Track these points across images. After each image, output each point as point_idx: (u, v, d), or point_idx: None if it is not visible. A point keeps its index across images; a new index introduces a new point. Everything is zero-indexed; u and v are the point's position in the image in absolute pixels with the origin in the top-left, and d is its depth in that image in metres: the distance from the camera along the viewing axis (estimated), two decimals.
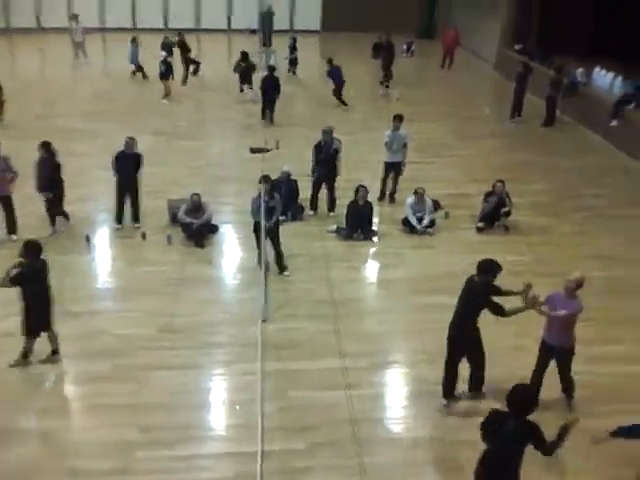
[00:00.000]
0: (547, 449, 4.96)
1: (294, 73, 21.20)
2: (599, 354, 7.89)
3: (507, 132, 16.70)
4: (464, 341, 6.95)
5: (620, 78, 16.59)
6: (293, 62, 21.47)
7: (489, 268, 6.77)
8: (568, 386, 7.02)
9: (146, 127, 15.41)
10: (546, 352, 6.93)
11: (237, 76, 18.60)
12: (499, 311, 6.73)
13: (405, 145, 11.71)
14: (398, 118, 11.76)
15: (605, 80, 17.36)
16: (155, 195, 11.43)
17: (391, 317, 8.66)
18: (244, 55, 18.31)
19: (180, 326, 8.25)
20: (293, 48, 21.66)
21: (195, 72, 20.82)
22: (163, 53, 18.78)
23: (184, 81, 19.85)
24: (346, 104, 18.05)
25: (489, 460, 5.08)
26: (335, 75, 17.97)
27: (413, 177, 12.31)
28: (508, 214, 10.97)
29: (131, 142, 10.38)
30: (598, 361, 7.77)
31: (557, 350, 6.83)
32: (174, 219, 10.60)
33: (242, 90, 18.60)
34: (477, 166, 14.03)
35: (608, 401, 7.12)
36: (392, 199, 12.06)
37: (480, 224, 11.01)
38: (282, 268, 9.53)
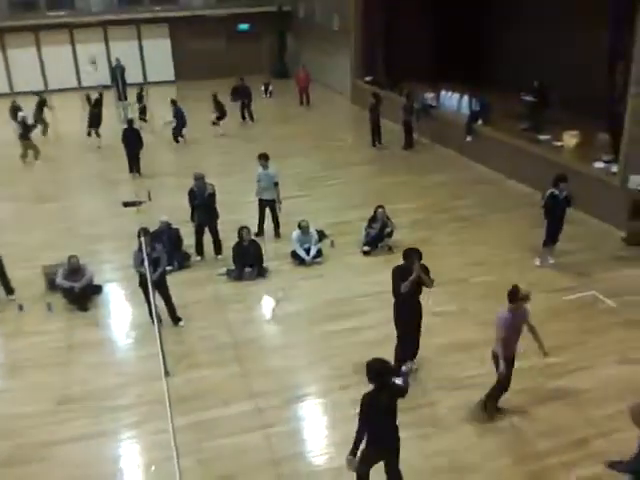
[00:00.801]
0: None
1: (145, 121, 21.03)
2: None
3: (372, 158, 17.45)
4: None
5: (466, 98, 17.94)
6: (142, 111, 21.50)
7: (407, 254, 7.69)
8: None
9: (5, 193, 14.45)
10: None
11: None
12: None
13: (276, 183, 11.84)
14: (263, 157, 11.90)
15: (452, 101, 18.73)
16: (26, 263, 10.71)
17: (294, 351, 8.63)
18: (96, 101, 19.32)
19: (78, 395, 7.73)
20: (140, 97, 22.04)
21: (43, 133, 20.24)
22: (21, 114, 17.92)
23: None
24: (177, 142, 19.00)
25: (374, 434, 5.65)
26: (179, 114, 18.84)
27: (294, 211, 12.49)
28: (390, 235, 11.39)
29: None
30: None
31: None
32: (52, 285, 9.96)
33: (89, 134, 18.94)
34: (352, 193, 14.49)
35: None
36: (277, 234, 12.11)
37: (365, 248, 11.33)
38: (176, 319, 9.24)
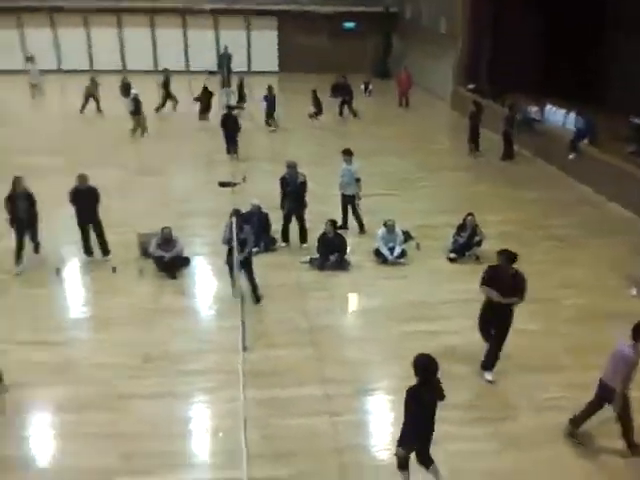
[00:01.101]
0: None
1: (242, 108, 21.66)
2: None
3: (468, 165, 17.16)
4: None
5: (573, 114, 17.29)
6: (240, 99, 22.44)
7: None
8: None
9: (112, 163, 15.34)
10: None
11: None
12: None
13: (358, 179, 11.85)
14: (347, 152, 11.95)
15: (557, 117, 18.08)
16: (123, 228, 11.28)
17: (370, 345, 8.62)
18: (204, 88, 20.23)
19: (158, 355, 8.08)
20: (240, 87, 22.94)
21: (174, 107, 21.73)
22: (134, 91, 18.91)
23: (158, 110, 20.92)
24: (268, 125, 19.98)
25: (417, 424, 5.85)
26: (267, 101, 19.86)
27: (381, 209, 12.48)
28: (479, 244, 11.15)
29: (82, 178, 10.28)
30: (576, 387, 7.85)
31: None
32: (145, 253, 10.44)
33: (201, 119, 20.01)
34: (442, 198, 14.31)
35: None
36: (361, 230, 12.13)
37: (452, 255, 11.15)
38: (257, 298, 9.45)
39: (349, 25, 30.79)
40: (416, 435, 5.94)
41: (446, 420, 7.02)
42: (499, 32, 21.14)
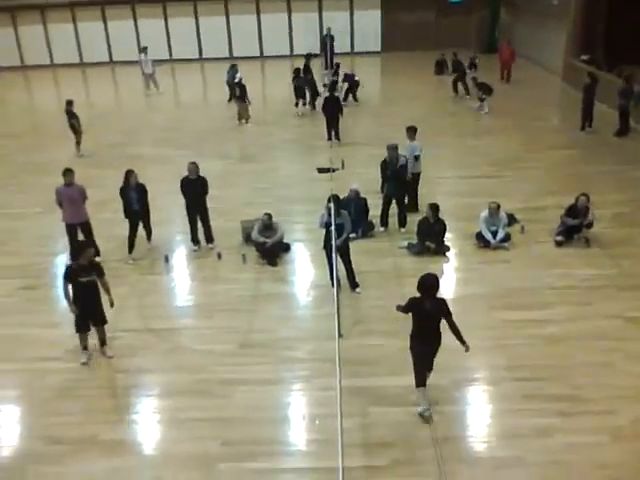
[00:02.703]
0: (452, 320, 6.74)
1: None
2: None
3: (579, 143, 16.22)
4: None
5: None
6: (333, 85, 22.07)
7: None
8: None
9: (215, 151, 15.88)
10: None
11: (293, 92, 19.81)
12: None
13: (417, 157, 11.58)
14: (411, 129, 11.66)
15: None
16: (227, 216, 11.70)
17: (469, 333, 8.27)
18: (296, 71, 19.83)
19: (258, 342, 8.35)
20: (336, 71, 22.44)
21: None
22: (239, 75, 19.39)
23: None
24: (356, 101, 20.80)
25: (418, 328, 6.86)
26: (349, 79, 21.00)
27: (487, 191, 12.16)
28: (590, 226, 10.56)
29: (193, 167, 10.52)
30: None
31: None
32: (248, 239, 10.78)
33: (297, 105, 19.71)
34: (551, 178, 13.65)
35: None
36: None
37: (558, 238, 10.64)
38: (354, 285, 9.48)
39: None
40: (421, 340, 6.83)
41: (550, 412, 6.87)
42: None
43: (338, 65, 22.30)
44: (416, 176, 11.84)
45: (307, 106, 19.94)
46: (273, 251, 10.37)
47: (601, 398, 7.05)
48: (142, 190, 10.45)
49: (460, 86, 21.44)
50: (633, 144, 15.82)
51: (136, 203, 10.35)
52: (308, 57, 21.76)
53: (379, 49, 30.25)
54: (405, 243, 10.75)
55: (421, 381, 6.93)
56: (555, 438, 6.55)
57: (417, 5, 29.01)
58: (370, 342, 8.26)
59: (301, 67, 20.37)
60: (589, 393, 7.13)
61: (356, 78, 21.35)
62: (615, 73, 18.81)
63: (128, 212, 10.43)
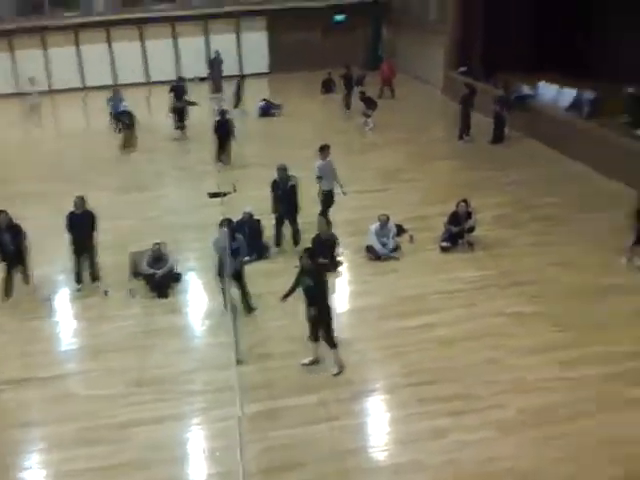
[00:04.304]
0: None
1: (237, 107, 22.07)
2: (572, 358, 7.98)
3: (458, 152, 17.07)
4: None
5: (566, 90, 17.12)
6: (239, 100, 22.48)
7: None
8: None
9: (101, 183, 15.31)
10: None
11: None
12: None
13: (334, 172, 11.72)
14: (325, 148, 11.78)
15: (550, 93, 17.86)
16: (115, 250, 11.29)
17: (365, 345, 8.63)
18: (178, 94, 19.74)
19: (152, 379, 8.10)
20: (239, 89, 22.70)
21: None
22: (125, 103, 18.89)
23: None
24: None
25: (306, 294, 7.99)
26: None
27: (375, 204, 12.48)
28: (472, 230, 11.11)
29: (79, 201, 10.13)
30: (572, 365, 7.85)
31: None
32: (136, 272, 10.48)
33: (178, 128, 19.47)
34: (435, 187, 14.25)
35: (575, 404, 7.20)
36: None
37: (444, 244, 11.12)
38: (250, 308, 9.47)
39: (339, 17, 30.56)
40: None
41: (443, 412, 7.12)
42: (489, 14, 20.87)
43: (239, 83, 22.57)
44: (328, 193, 11.87)
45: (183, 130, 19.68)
46: (163, 282, 10.14)
47: (489, 394, 7.41)
48: (16, 231, 9.86)
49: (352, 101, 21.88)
50: (508, 149, 16.81)
51: (10, 244, 9.79)
52: (181, 80, 21.69)
53: (267, 70, 30.54)
54: None
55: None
56: (449, 438, 6.82)
57: (302, 26, 29.53)
58: (269, 365, 8.27)
59: (182, 88, 20.39)
60: (478, 390, 7.48)
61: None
62: (491, 83, 19.94)
63: (3, 255, 9.88)
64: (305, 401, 7.55)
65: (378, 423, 7.35)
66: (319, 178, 11.70)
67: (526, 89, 18.12)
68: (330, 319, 8.01)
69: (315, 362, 8.18)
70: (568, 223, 11.94)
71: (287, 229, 11.52)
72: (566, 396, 7.28)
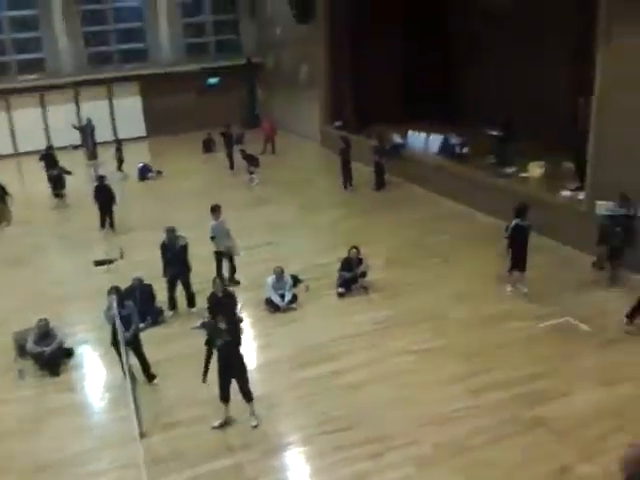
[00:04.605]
0: None
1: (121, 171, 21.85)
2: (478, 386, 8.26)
3: (344, 201, 17.58)
4: None
5: (434, 136, 18.24)
6: (120, 164, 22.28)
7: None
8: None
9: None
10: None
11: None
12: None
13: (228, 232, 11.79)
14: (217, 208, 11.84)
15: (419, 141, 18.96)
16: None
17: (276, 398, 8.45)
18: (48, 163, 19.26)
19: (50, 463, 7.45)
20: (118, 149, 22.56)
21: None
22: None
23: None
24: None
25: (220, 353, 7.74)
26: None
27: (269, 257, 12.49)
28: (364, 275, 11.37)
29: None
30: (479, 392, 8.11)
31: None
32: (22, 351, 9.72)
33: (56, 196, 18.99)
34: (325, 236, 14.54)
35: (488, 429, 7.39)
36: (235, 281, 12.00)
37: (340, 290, 11.28)
38: (150, 377, 9.04)
39: (213, 81, 31.00)
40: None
41: (362, 456, 7.06)
42: (358, 71, 21.98)
43: (119, 145, 22.39)
44: (222, 253, 11.82)
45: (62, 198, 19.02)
46: (53, 359, 9.45)
47: (404, 432, 7.46)
48: None
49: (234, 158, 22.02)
50: (390, 194, 17.55)
51: None
52: (50, 149, 20.98)
53: (144, 134, 30.20)
54: (198, 323, 10.54)
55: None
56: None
57: (175, 89, 29.59)
58: (177, 433, 7.87)
59: (52, 157, 19.70)
60: (393, 430, 7.51)
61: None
62: (365, 134, 20.88)
63: None
64: (220, 466, 7.23)
65: (298, 477, 7.16)
66: (212, 238, 11.67)
67: (397, 138, 19.13)
68: (246, 371, 7.84)
69: (226, 423, 7.89)
70: (456, 259, 12.53)
71: (181, 291, 11.20)
72: (478, 423, 7.47)
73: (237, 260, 12.10)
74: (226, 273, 11.87)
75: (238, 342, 7.94)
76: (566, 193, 12.97)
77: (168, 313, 11.09)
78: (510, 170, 15.12)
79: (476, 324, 9.86)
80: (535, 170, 14.55)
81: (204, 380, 7.91)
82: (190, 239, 11.34)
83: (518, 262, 10.63)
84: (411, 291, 11.28)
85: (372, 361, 9.09)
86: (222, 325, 9.78)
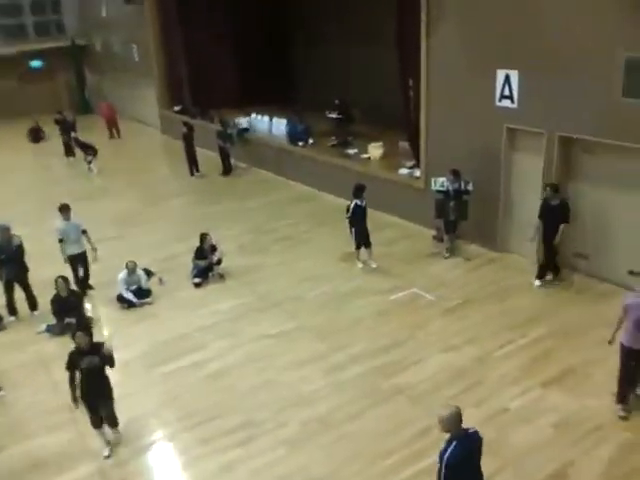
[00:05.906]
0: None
1: None
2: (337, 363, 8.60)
3: (192, 188, 17.29)
4: None
5: (278, 120, 18.39)
6: None
7: None
8: None
9: None
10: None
11: None
12: None
13: (84, 231, 10.79)
14: (65, 208, 10.77)
15: (263, 124, 19.04)
16: None
17: (136, 398, 8.17)
18: None
19: None
20: None
21: None
22: None
23: None
24: None
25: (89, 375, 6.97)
26: None
27: (118, 252, 11.95)
28: (219, 262, 11.31)
29: None
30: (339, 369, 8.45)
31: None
32: None
33: None
34: (175, 226, 14.21)
35: (349, 404, 7.75)
36: (89, 287, 11.14)
37: (196, 280, 11.13)
38: None
39: (36, 64, 28.83)
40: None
41: (230, 445, 7.09)
42: (192, 54, 21.51)
43: None
44: (75, 257, 10.79)
45: None
46: None
47: (270, 415, 7.58)
48: None
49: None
50: (238, 180, 17.54)
51: None
52: None
53: None
54: (43, 327, 9.90)
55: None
56: (240, 469, 6.79)
57: None
58: (34, 444, 7.39)
59: None
60: (259, 415, 7.60)
61: None
62: (207, 119, 20.57)
63: None
64: (83, 474, 6.90)
65: (165, 474, 7.02)
66: (61, 241, 10.67)
67: (243, 122, 19.08)
68: (112, 395, 7.30)
69: (113, 445, 7.34)
70: (307, 240, 12.87)
71: (19, 294, 10.43)
72: (340, 398, 7.77)
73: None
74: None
75: (105, 362, 7.09)
76: (403, 171, 13.74)
77: (8, 319, 10.29)
78: (352, 151, 15.71)
79: (331, 303, 10.22)
80: (375, 151, 15.24)
81: (76, 406, 7.13)
82: (25, 237, 10.56)
83: (362, 239, 11.22)
84: (267, 275, 11.41)
85: (233, 348, 9.12)
86: (72, 325, 9.39)
